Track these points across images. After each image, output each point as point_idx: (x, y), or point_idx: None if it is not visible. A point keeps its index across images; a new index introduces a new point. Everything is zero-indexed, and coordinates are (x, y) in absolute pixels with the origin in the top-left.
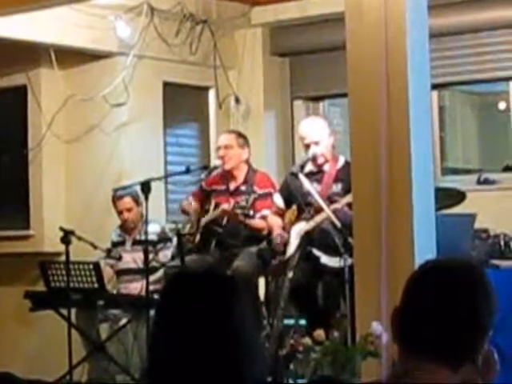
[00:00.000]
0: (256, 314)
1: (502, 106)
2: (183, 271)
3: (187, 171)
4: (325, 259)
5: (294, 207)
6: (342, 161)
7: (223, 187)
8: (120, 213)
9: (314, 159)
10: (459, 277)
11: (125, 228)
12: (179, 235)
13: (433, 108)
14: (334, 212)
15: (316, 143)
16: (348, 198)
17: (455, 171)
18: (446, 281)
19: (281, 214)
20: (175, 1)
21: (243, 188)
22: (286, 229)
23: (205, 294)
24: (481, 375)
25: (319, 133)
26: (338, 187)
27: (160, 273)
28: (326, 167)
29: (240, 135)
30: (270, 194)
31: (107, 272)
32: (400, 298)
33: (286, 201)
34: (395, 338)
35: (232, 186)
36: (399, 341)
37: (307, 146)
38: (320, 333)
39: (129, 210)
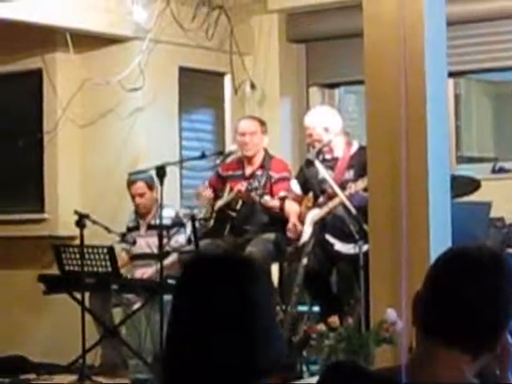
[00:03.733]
0: (273, 298)
1: None
2: (200, 255)
3: (202, 156)
4: (339, 246)
5: (311, 194)
6: (355, 146)
7: (239, 172)
8: (133, 198)
9: (320, 149)
10: (484, 264)
11: (138, 213)
12: (193, 220)
13: (448, 96)
14: (349, 198)
15: (310, 135)
16: (363, 183)
17: (470, 160)
18: (471, 268)
19: (298, 200)
20: None
21: (259, 173)
22: (303, 215)
23: (222, 278)
24: (498, 364)
25: (314, 126)
26: (350, 174)
27: (172, 258)
28: (339, 153)
29: (262, 122)
30: (286, 178)
31: (122, 257)
32: (423, 282)
33: (303, 188)
34: (415, 323)
35: (248, 171)
36: (420, 326)
37: (307, 135)
38: (335, 319)
39: (141, 195)
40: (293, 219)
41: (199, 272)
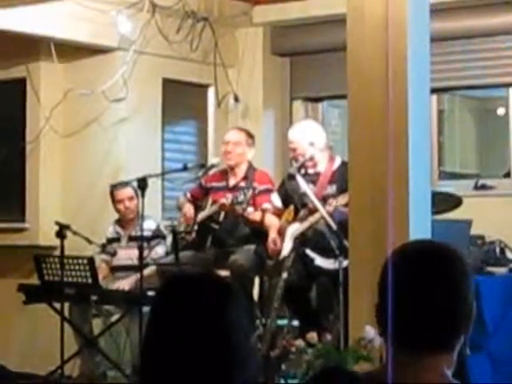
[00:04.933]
0: (249, 317)
1: (500, 111)
2: (177, 275)
3: (184, 169)
4: (319, 261)
5: (291, 207)
6: (338, 162)
7: (222, 184)
8: (120, 202)
9: (302, 164)
10: (434, 263)
11: (122, 222)
12: (174, 233)
13: (431, 112)
14: (329, 213)
15: (293, 150)
16: (344, 199)
17: (452, 176)
18: (421, 269)
19: (278, 213)
20: None
21: (242, 184)
22: (283, 229)
23: (199, 297)
24: None
25: (298, 140)
26: (332, 188)
27: (150, 270)
28: (321, 168)
29: (250, 135)
30: (269, 190)
31: (102, 269)
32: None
33: (283, 201)
34: (381, 334)
35: (231, 182)
36: (384, 336)
37: (290, 149)
38: (313, 335)
39: (130, 198)
40: (272, 234)
41: (176, 290)
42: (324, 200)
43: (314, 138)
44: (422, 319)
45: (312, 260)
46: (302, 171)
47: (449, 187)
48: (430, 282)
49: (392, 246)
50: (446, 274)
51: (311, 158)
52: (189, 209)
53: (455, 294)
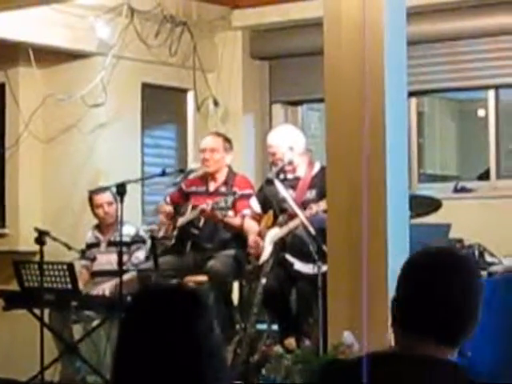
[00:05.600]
0: (224, 326)
1: (481, 113)
2: (149, 287)
3: (163, 174)
4: (298, 265)
5: (271, 212)
6: (317, 167)
7: (203, 188)
8: (99, 207)
9: (281, 169)
10: (448, 263)
11: (101, 227)
12: (153, 238)
13: (411, 114)
14: (309, 218)
15: (273, 154)
16: (324, 204)
17: (433, 178)
18: (436, 268)
19: (257, 218)
20: (155, 2)
21: (223, 189)
22: (262, 234)
23: (168, 310)
24: None
25: (278, 145)
26: (312, 193)
27: (130, 274)
28: (301, 173)
29: (226, 139)
30: (249, 195)
31: (83, 274)
32: (396, 287)
33: (262, 206)
34: (394, 323)
35: (211, 187)
36: (400, 326)
37: (269, 154)
38: (291, 341)
39: (109, 203)
40: (252, 236)
41: (145, 305)
42: (304, 205)
43: (293, 142)
44: (434, 310)
45: (291, 264)
46: (282, 176)
47: (428, 190)
48: (448, 280)
49: (366, 251)
50: (462, 274)
51: (290, 163)
52: (170, 210)
53: (468, 293)
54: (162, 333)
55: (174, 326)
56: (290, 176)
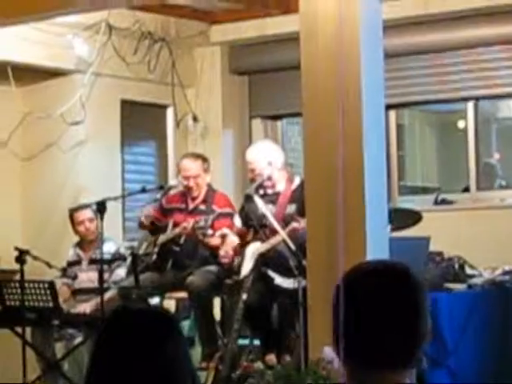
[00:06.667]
0: (188, 354)
1: (461, 124)
2: (121, 308)
3: (143, 191)
4: (279, 280)
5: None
6: (297, 181)
7: (182, 206)
8: (80, 224)
9: (260, 184)
10: (386, 283)
11: (82, 244)
12: (133, 255)
13: (391, 127)
14: (291, 233)
15: (252, 170)
16: (304, 221)
17: (414, 190)
18: (368, 292)
19: (241, 234)
20: (133, 19)
21: (202, 207)
22: (239, 250)
23: (140, 332)
24: None
25: (257, 160)
26: (292, 208)
27: (111, 292)
28: (281, 188)
29: (205, 160)
30: (228, 214)
31: (64, 291)
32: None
33: (244, 223)
34: (343, 357)
35: (191, 204)
36: (344, 359)
37: (249, 170)
38: (271, 357)
39: (90, 220)
40: (224, 248)
41: (116, 327)
42: (285, 220)
43: (272, 157)
44: (379, 338)
45: (272, 279)
46: (261, 192)
47: (409, 202)
48: (385, 301)
49: (344, 265)
50: (399, 291)
51: (269, 178)
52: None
53: (411, 311)
54: (132, 355)
55: (145, 347)
56: (269, 191)
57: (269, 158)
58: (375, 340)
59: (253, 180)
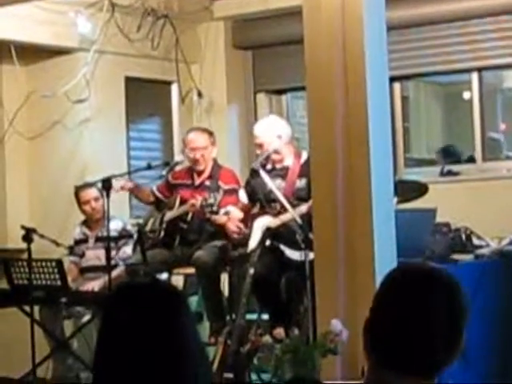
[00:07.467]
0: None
1: (466, 95)
2: (127, 283)
3: (148, 167)
4: (289, 252)
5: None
6: (305, 156)
7: (188, 181)
8: (86, 203)
9: (267, 158)
10: (427, 289)
11: (89, 223)
12: (140, 232)
13: (396, 99)
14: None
15: (260, 145)
16: None
17: (419, 162)
18: (413, 294)
19: (245, 210)
20: None
21: (208, 183)
22: (247, 223)
23: (146, 307)
24: None
25: (266, 134)
26: (301, 182)
27: (119, 269)
28: (289, 162)
29: (211, 134)
30: (234, 190)
31: (71, 270)
32: (369, 307)
33: (250, 197)
34: (365, 349)
35: (197, 180)
36: (369, 352)
37: (256, 146)
38: (280, 331)
39: (96, 199)
40: (233, 223)
41: (124, 301)
42: (294, 194)
43: (281, 131)
44: (412, 345)
45: (282, 252)
46: (269, 166)
47: (415, 174)
48: (425, 310)
49: (350, 240)
50: (443, 304)
51: (277, 152)
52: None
53: (451, 325)
54: (141, 331)
55: (153, 323)
56: (277, 166)
57: (277, 131)
58: (402, 343)
59: (260, 155)
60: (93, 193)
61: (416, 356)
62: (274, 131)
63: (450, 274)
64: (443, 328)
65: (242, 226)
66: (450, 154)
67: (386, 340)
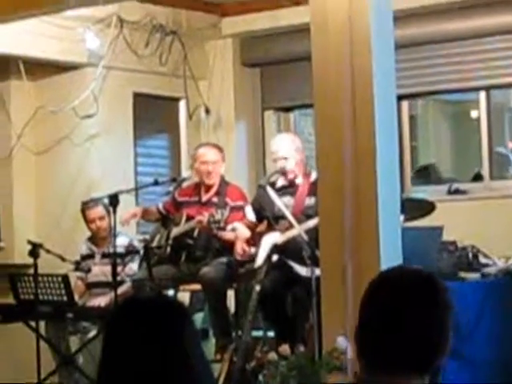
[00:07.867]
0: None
1: (474, 114)
2: (132, 298)
3: (155, 183)
4: (298, 268)
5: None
6: (314, 175)
7: (195, 198)
8: (92, 222)
9: (283, 173)
10: (410, 292)
11: (95, 239)
12: (146, 248)
13: (403, 117)
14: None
15: (285, 158)
16: None
17: (427, 180)
18: (397, 297)
19: (252, 227)
20: (144, 12)
21: (215, 200)
22: (255, 240)
23: (151, 321)
24: None
25: (287, 148)
26: (311, 200)
27: (126, 286)
28: (299, 181)
29: (221, 150)
30: (241, 207)
31: (78, 286)
32: (359, 311)
33: (258, 214)
34: (357, 354)
35: (204, 197)
36: (359, 357)
37: (276, 161)
38: (285, 348)
39: (101, 218)
40: (239, 244)
41: (129, 315)
42: (304, 212)
43: (298, 144)
44: (399, 344)
45: (290, 268)
46: (281, 182)
47: (423, 193)
48: (410, 310)
49: (357, 257)
50: (426, 302)
51: (296, 163)
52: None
53: (433, 322)
54: (145, 345)
55: (157, 338)
56: (285, 183)
57: (296, 144)
58: (390, 342)
59: (281, 171)
60: (98, 212)
61: (403, 357)
62: (292, 144)
63: (431, 272)
64: (428, 326)
65: (247, 248)
66: (426, 174)
67: (372, 344)
